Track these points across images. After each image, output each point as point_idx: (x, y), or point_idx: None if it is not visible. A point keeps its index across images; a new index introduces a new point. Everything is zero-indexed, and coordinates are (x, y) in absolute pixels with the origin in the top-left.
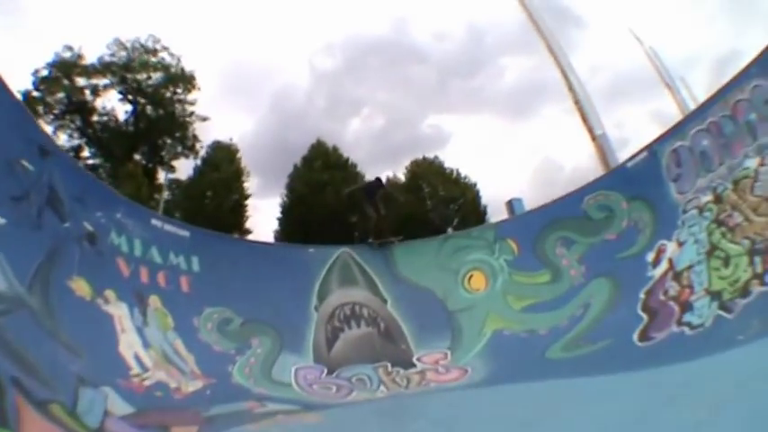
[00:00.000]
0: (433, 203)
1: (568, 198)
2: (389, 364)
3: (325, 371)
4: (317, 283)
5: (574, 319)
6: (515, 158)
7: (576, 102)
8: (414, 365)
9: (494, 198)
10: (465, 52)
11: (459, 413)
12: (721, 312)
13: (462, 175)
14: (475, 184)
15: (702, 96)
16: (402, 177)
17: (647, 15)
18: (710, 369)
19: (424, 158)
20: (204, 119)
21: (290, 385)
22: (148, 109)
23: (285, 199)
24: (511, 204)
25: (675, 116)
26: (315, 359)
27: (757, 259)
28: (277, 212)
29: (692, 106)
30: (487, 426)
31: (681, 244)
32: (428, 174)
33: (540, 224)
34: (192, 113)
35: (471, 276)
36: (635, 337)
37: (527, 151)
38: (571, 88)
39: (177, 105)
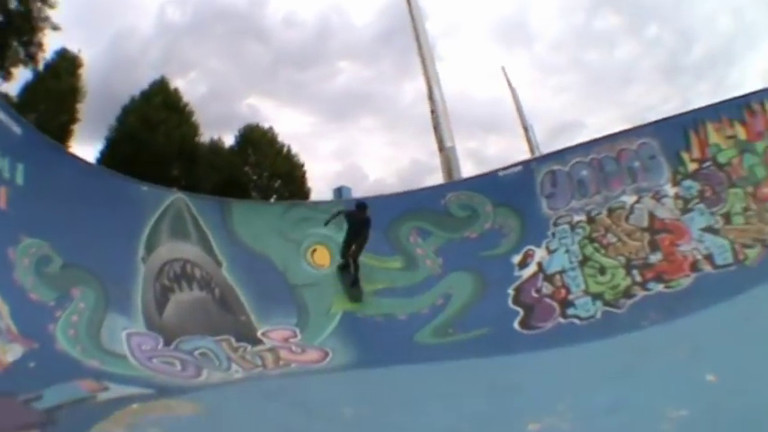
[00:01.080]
0: (257, 173)
1: (429, 191)
2: (233, 339)
3: (161, 341)
4: (147, 230)
5: (435, 307)
6: (321, 158)
7: (433, 111)
8: (261, 342)
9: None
10: (308, 45)
11: (345, 398)
12: (609, 308)
13: (293, 153)
14: (303, 165)
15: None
16: (228, 141)
17: (517, 62)
18: (612, 347)
19: (258, 126)
20: (55, 27)
21: (125, 357)
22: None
23: (113, 133)
24: (340, 192)
25: (524, 153)
26: (147, 325)
27: (635, 272)
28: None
29: (541, 150)
30: (376, 407)
31: (551, 251)
32: (260, 142)
33: (397, 210)
34: (47, 18)
35: (315, 251)
36: (516, 325)
37: (335, 154)
38: (431, 97)
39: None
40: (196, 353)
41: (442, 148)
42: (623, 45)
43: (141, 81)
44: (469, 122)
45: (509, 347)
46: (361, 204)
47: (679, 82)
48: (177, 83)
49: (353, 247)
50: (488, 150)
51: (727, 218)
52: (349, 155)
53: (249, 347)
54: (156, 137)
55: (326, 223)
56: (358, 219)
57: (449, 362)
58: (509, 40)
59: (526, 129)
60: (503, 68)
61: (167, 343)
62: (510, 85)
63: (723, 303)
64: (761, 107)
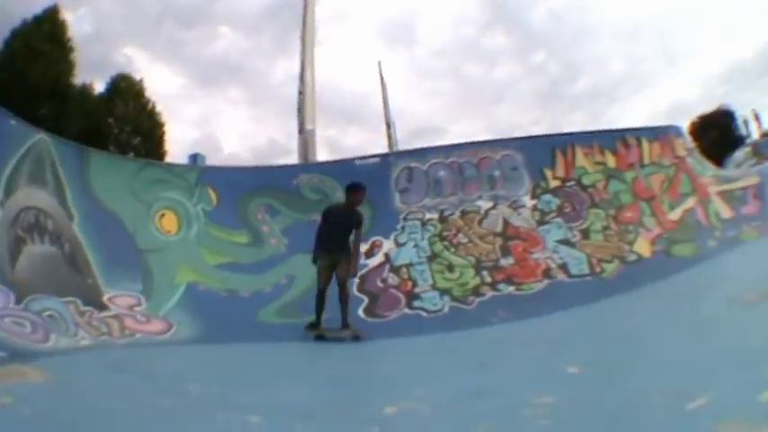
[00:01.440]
0: (119, 126)
1: (283, 170)
2: (80, 301)
3: (13, 298)
4: (8, 170)
5: (279, 287)
6: (182, 121)
7: (301, 92)
8: (107, 307)
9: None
10: (196, 3)
11: (192, 374)
12: (457, 304)
13: (157, 111)
14: (164, 125)
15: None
16: (99, 88)
17: (396, 61)
18: (464, 338)
19: (130, 76)
20: None
21: None
22: None
23: None
24: (194, 159)
25: (382, 148)
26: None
27: (485, 272)
28: None
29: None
30: (224, 385)
31: (399, 244)
32: (128, 93)
33: (248, 184)
34: None
35: (164, 215)
36: (360, 312)
37: (196, 120)
38: (302, 77)
39: None
40: (45, 314)
41: (302, 129)
42: (506, 65)
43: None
44: (334, 111)
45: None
46: (356, 186)
47: (553, 108)
48: (67, 16)
49: (338, 265)
50: (347, 141)
51: (586, 234)
52: (209, 123)
53: (96, 313)
54: (35, 69)
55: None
56: (343, 214)
57: (295, 343)
58: (393, 38)
59: (389, 125)
60: (378, 63)
61: (18, 300)
62: (382, 79)
63: (579, 308)
64: (636, 142)
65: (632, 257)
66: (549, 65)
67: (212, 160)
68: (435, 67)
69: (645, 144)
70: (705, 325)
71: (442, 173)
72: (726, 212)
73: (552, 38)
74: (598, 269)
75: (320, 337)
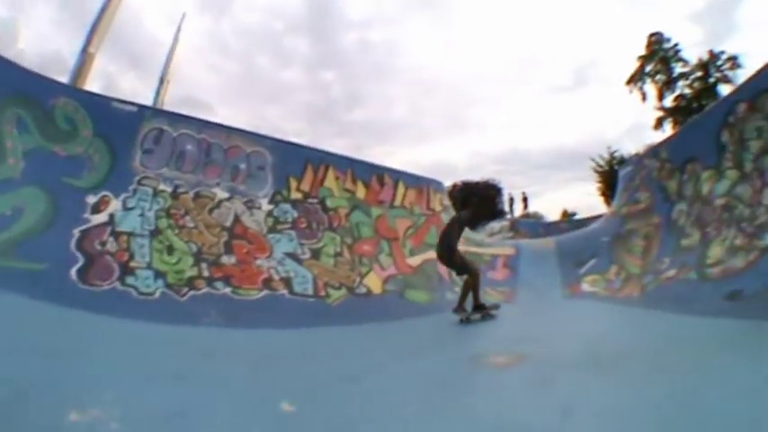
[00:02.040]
0: None
1: (45, 82)
2: None
3: None
4: None
5: (4, 218)
6: None
7: (102, 11)
8: None
9: None
10: None
11: None
12: (170, 292)
13: None
14: None
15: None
16: None
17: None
18: (178, 336)
19: None
20: None
21: None
22: None
23: None
24: None
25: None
26: None
27: (204, 266)
28: None
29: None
30: None
31: (127, 208)
32: None
33: (8, 85)
34: None
35: None
36: (74, 274)
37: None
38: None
39: None
40: None
41: (85, 49)
42: (295, 71)
43: None
44: (124, 47)
45: (63, 298)
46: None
47: (321, 127)
48: None
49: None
50: (122, 83)
51: (317, 254)
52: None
53: None
54: None
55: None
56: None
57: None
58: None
59: (162, 81)
60: (183, 15)
61: None
62: (177, 33)
63: (296, 329)
64: (393, 183)
65: (362, 290)
66: (335, 87)
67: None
68: (232, 44)
69: (401, 187)
70: (447, 383)
71: (189, 146)
72: None
73: (351, 64)
74: (323, 293)
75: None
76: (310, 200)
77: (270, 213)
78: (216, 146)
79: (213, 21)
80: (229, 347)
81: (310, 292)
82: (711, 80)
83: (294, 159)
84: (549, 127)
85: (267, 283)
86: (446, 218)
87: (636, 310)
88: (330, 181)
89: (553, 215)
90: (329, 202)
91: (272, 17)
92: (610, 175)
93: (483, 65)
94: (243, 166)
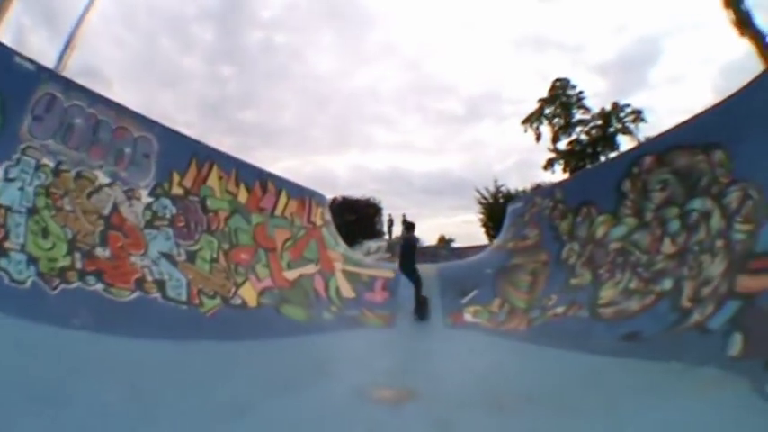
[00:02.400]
0: None
1: None
2: None
3: None
4: None
5: None
6: None
7: None
8: None
9: None
10: None
11: None
12: (41, 282)
13: None
14: None
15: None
16: None
17: None
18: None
19: None
20: None
21: None
22: None
23: None
24: None
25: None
26: None
27: (78, 255)
28: None
29: None
30: None
31: (8, 179)
32: None
33: None
34: None
35: None
36: None
37: None
38: None
39: None
40: None
41: None
42: (195, 59)
43: None
44: (45, 4)
45: None
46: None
47: (210, 123)
48: None
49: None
50: (31, 40)
51: (192, 257)
52: None
53: None
54: None
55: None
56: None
57: None
58: None
59: (68, 46)
60: None
61: None
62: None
63: (172, 342)
64: (276, 190)
65: (237, 301)
66: (231, 83)
67: None
68: (140, 20)
69: (284, 196)
70: (328, 426)
71: (78, 120)
72: (347, 292)
73: (252, 62)
74: (197, 300)
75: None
76: (191, 197)
77: (149, 206)
78: (104, 124)
79: None
80: (102, 359)
81: (183, 298)
82: (611, 130)
83: (180, 151)
84: (436, 153)
85: (140, 283)
86: (327, 233)
87: (523, 345)
88: (213, 180)
89: (430, 240)
90: (210, 203)
91: (185, 4)
92: (493, 208)
93: (379, 84)
94: (128, 150)
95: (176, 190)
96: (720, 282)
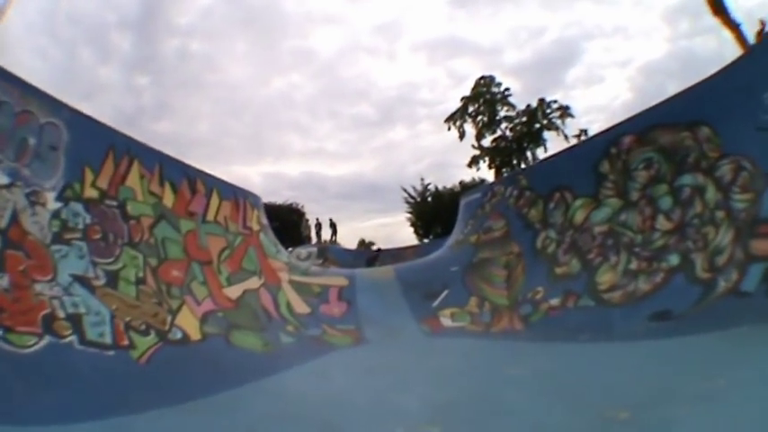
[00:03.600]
0: None
1: None
2: None
3: None
4: None
5: None
6: None
7: None
8: None
9: None
10: None
11: None
12: None
13: None
14: None
15: None
16: None
17: None
18: None
19: None
20: None
21: None
22: None
23: None
24: None
25: None
26: None
27: None
28: None
29: None
30: None
31: None
32: None
33: None
34: None
35: None
36: None
37: None
38: None
39: None
40: None
41: None
42: (112, 69)
43: None
44: None
45: None
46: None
47: (140, 124)
48: None
49: None
50: None
51: (114, 279)
52: None
53: None
54: None
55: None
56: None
57: None
58: None
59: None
60: None
61: None
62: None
63: (102, 423)
64: (206, 190)
65: (177, 335)
66: (146, 94)
67: None
68: (62, 29)
69: (215, 198)
70: None
71: None
72: (300, 307)
73: (169, 72)
74: (126, 341)
75: None
76: (108, 201)
77: (56, 214)
78: (5, 106)
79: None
80: None
81: (108, 339)
82: (537, 126)
83: (94, 142)
84: (349, 158)
85: (49, 323)
86: (265, 239)
87: (534, 346)
88: (133, 179)
89: (350, 244)
90: (130, 208)
91: (105, 10)
92: (422, 207)
93: (293, 91)
94: (33, 141)
95: (90, 192)
96: (734, 249)
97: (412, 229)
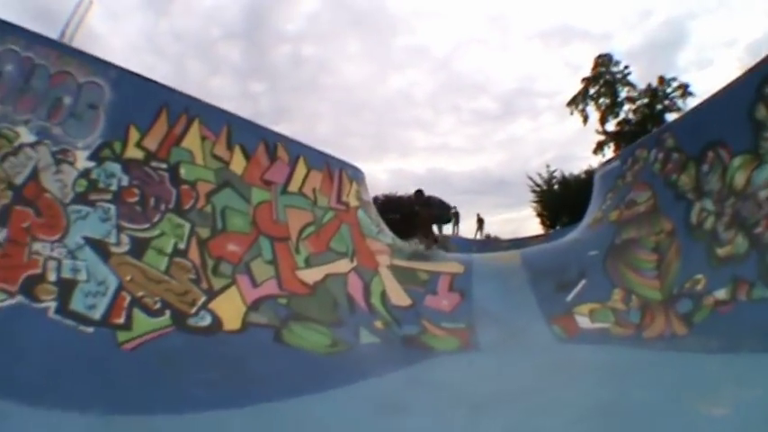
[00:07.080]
0: None
1: None
2: None
3: None
4: None
5: None
6: None
7: None
8: None
9: None
10: None
11: None
12: None
13: None
14: None
15: None
16: None
17: None
18: None
19: None
20: None
21: None
22: None
23: None
24: None
25: None
26: None
27: None
28: None
29: None
30: None
31: None
32: None
33: None
34: None
35: None
36: None
37: None
38: None
39: None
40: None
41: None
42: (225, 78)
43: None
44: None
45: None
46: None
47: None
48: None
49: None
50: None
51: (142, 249)
52: None
53: None
54: None
55: None
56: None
57: None
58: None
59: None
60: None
61: None
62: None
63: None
64: (289, 160)
65: (204, 321)
66: (263, 99)
67: None
68: (167, 47)
69: (301, 166)
70: None
71: (9, 67)
72: (398, 297)
73: (284, 77)
74: (121, 319)
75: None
76: (155, 163)
77: (85, 173)
78: (41, 69)
79: (153, 20)
80: None
81: (98, 313)
82: (659, 107)
83: (144, 101)
84: (473, 153)
85: (31, 284)
86: (365, 217)
87: (715, 361)
88: (192, 140)
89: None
90: (185, 172)
91: (210, 23)
92: (548, 196)
93: (412, 88)
94: (68, 100)
95: (133, 152)
96: None
97: (538, 220)
